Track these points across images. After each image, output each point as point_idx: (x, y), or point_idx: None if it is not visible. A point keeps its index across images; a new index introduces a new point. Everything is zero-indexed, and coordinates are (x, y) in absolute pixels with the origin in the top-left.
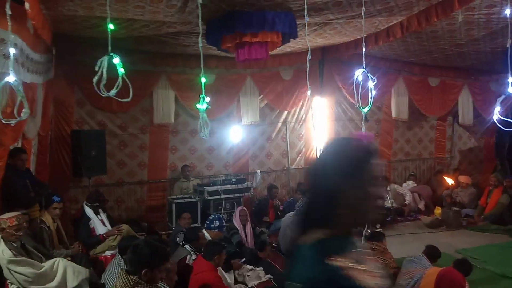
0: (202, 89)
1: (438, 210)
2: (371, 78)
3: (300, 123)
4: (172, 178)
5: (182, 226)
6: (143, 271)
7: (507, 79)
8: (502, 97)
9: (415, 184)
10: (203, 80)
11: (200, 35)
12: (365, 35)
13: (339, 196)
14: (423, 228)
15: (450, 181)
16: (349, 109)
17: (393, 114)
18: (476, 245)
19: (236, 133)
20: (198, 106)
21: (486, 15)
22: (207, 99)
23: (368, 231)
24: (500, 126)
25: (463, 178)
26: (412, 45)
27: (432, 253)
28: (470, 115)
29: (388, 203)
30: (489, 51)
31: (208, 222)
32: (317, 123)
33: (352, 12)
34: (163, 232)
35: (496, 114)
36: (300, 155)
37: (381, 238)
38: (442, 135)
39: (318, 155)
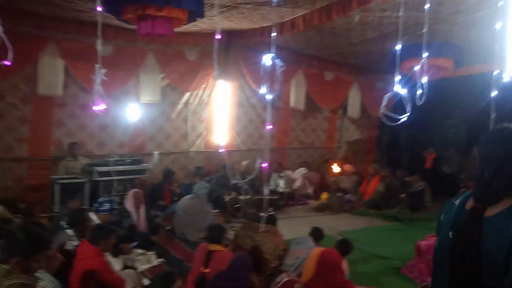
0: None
1: (324, 195)
2: (280, 64)
3: (202, 106)
4: (57, 156)
5: (69, 209)
6: (15, 261)
7: (394, 78)
8: (389, 94)
9: (306, 171)
10: (98, 48)
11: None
12: (271, 24)
13: None
14: (311, 211)
15: (336, 169)
16: (251, 95)
17: (291, 103)
18: (356, 228)
19: (133, 111)
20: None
21: (379, 18)
22: (103, 71)
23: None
24: (384, 121)
25: (347, 167)
26: (312, 39)
27: (317, 234)
28: (357, 109)
29: (281, 188)
30: (378, 52)
31: (97, 205)
32: (220, 107)
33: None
34: (44, 215)
35: (382, 110)
36: (200, 138)
37: (272, 221)
38: (333, 126)
39: (490, 143)
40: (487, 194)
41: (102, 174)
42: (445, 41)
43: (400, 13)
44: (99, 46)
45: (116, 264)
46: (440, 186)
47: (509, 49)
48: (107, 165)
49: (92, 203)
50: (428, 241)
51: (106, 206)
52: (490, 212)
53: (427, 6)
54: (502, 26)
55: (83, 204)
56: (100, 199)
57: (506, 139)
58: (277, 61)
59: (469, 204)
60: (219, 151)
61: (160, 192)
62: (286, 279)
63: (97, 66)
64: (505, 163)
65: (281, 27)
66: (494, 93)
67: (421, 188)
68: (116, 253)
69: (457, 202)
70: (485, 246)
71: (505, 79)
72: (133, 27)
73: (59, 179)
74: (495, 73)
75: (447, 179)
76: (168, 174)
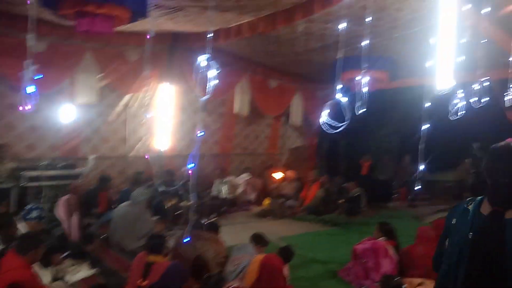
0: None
1: (266, 201)
2: (214, 67)
3: (143, 109)
4: None
5: None
6: None
7: (335, 87)
8: (329, 103)
9: (249, 177)
10: (30, 44)
11: None
12: (216, 28)
13: None
14: (253, 217)
15: (278, 175)
16: (195, 100)
17: (235, 109)
18: (296, 233)
19: (67, 112)
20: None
21: (322, 30)
22: (35, 67)
23: (204, 221)
24: (324, 129)
25: (289, 173)
26: (258, 46)
27: (258, 240)
28: (299, 117)
29: (224, 194)
30: (320, 62)
31: (24, 212)
32: (162, 110)
33: (205, 3)
34: None
35: (322, 118)
36: (140, 142)
37: (215, 228)
38: (275, 133)
39: (502, 156)
40: (506, 198)
41: (31, 179)
42: (381, 54)
43: (341, 26)
44: (31, 41)
45: (45, 276)
46: (374, 192)
47: (440, 64)
48: (37, 169)
49: (19, 210)
50: (364, 244)
51: (35, 213)
52: (509, 215)
53: (368, 19)
54: (434, 42)
55: (9, 210)
56: (28, 206)
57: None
58: (212, 62)
59: (485, 208)
60: (146, 156)
61: (94, 199)
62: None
63: (27, 62)
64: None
65: (226, 32)
66: (426, 105)
67: (358, 194)
68: (45, 264)
69: (470, 207)
70: (509, 246)
71: (437, 92)
72: (70, 23)
73: None
74: (427, 86)
75: (381, 185)
76: (103, 180)
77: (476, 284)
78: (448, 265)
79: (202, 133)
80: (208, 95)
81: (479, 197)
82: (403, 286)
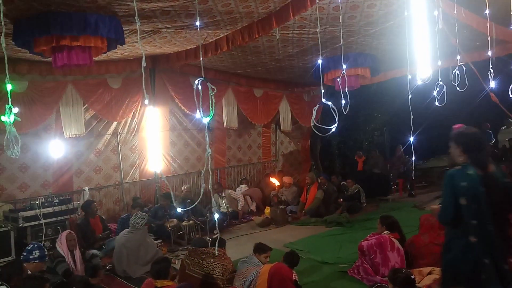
0: (8, 98)
1: (267, 210)
2: (211, 87)
3: (133, 134)
4: None
5: None
6: None
7: (319, 89)
8: (317, 106)
9: (247, 188)
10: (9, 87)
11: (3, 35)
12: (194, 46)
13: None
14: (256, 228)
15: (276, 182)
16: (184, 119)
17: (225, 123)
18: (300, 238)
19: (56, 147)
20: (3, 118)
21: (298, 35)
22: (15, 110)
23: (208, 237)
24: (315, 131)
25: (286, 179)
26: (238, 58)
27: (260, 250)
28: (289, 122)
29: (224, 208)
30: (301, 66)
31: (25, 253)
32: (151, 133)
33: (180, 23)
34: None
35: (312, 120)
36: (134, 167)
37: (222, 244)
38: (267, 141)
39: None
40: (485, 162)
41: (28, 219)
42: (361, 51)
43: (318, 29)
44: (8, 83)
45: None
46: (372, 187)
47: (418, 54)
48: (33, 209)
49: (20, 252)
50: (369, 240)
51: (36, 253)
52: (491, 169)
53: (340, 20)
54: (409, 34)
55: (7, 254)
56: (29, 247)
57: (484, 135)
58: (209, 84)
59: (476, 170)
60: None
61: (88, 229)
62: None
63: (7, 106)
64: (486, 146)
65: (205, 49)
66: (410, 95)
67: (357, 190)
68: None
69: (470, 172)
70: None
71: (418, 81)
72: (48, 59)
73: None
74: (408, 77)
75: (377, 179)
76: (86, 206)
77: (501, 225)
78: (478, 218)
79: (209, 151)
80: (211, 115)
81: (464, 164)
82: (412, 277)
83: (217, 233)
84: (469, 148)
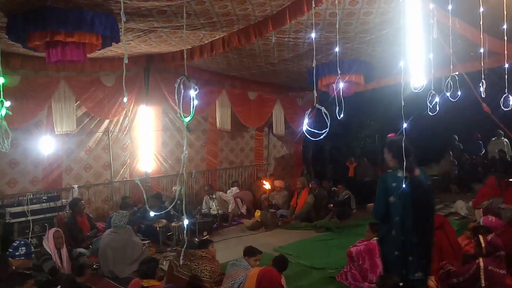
0: (0, 91)
1: (258, 213)
2: (193, 86)
3: (125, 133)
4: None
5: None
6: None
7: (313, 94)
8: (309, 110)
9: (238, 190)
10: (1, 80)
11: None
12: (190, 47)
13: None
14: (246, 231)
15: (267, 185)
16: (177, 119)
17: (218, 124)
18: (290, 242)
19: (46, 144)
20: None
21: (294, 39)
22: (7, 103)
23: (196, 239)
24: (308, 136)
25: (277, 182)
26: (233, 60)
27: (250, 253)
28: (282, 126)
29: (214, 210)
30: (296, 70)
31: (11, 250)
32: (143, 132)
33: (176, 22)
34: None
35: (305, 125)
36: (124, 166)
37: (208, 246)
38: (260, 144)
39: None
40: (411, 167)
41: (16, 215)
42: (355, 58)
43: (313, 34)
44: (0, 77)
45: None
46: (362, 193)
47: (412, 62)
48: (21, 205)
49: (5, 248)
50: (358, 247)
51: (23, 250)
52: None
53: (337, 26)
54: (404, 42)
55: None
56: (15, 243)
57: (408, 144)
58: (191, 83)
59: (403, 174)
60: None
61: (75, 227)
62: None
63: None
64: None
65: (201, 50)
66: (403, 103)
67: (347, 196)
68: None
69: (399, 174)
70: (424, 190)
71: (412, 89)
72: (42, 54)
73: None
74: (402, 84)
75: (368, 186)
76: (73, 204)
77: (419, 221)
78: (400, 215)
79: (186, 152)
80: (191, 115)
81: (394, 168)
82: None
83: (206, 235)
84: (399, 154)
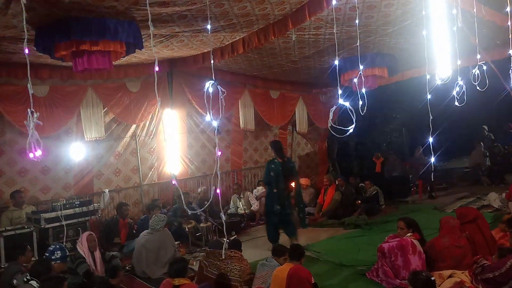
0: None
1: None
2: (221, 90)
3: (151, 137)
4: None
5: (20, 265)
6: None
7: (336, 90)
8: (334, 107)
9: (264, 189)
10: (31, 91)
11: (26, 41)
12: (211, 49)
13: None
14: None
15: (293, 184)
16: (201, 121)
17: (241, 125)
18: (317, 240)
19: (77, 150)
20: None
21: (314, 36)
22: (37, 113)
23: (226, 239)
24: (333, 133)
25: (303, 181)
26: (254, 60)
27: (278, 253)
28: (305, 123)
29: (241, 209)
30: (318, 67)
31: (48, 254)
32: (169, 136)
33: (197, 26)
34: None
35: (330, 122)
36: (152, 169)
37: (238, 246)
38: (284, 143)
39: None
40: (284, 156)
41: (50, 220)
42: (378, 51)
43: (334, 30)
44: (30, 88)
45: None
46: (390, 188)
47: (437, 52)
48: (55, 210)
49: (42, 253)
50: (390, 243)
51: (58, 254)
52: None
53: (357, 20)
54: (427, 33)
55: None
56: (51, 247)
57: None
58: (219, 87)
59: (278, 160)
60: (173, 182)
61: (116, 228)
62: None
63: (29, 110)
64: (284, 148)
65: (222, 51)
66: (429, 95)
67: (375, 192)
68: None
69: (276, 160)
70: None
71: (437, 81)
72: (69, 64)
73: (3, 231)
74: (427, 76)
75: (396, 181)
76: (120, 207)
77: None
78: (276, 184)
79: (219, 154)
80: (219, 117)
81: (274, 157)
82: (432, 279)
83: (234, 235)
84: (276, 149)
